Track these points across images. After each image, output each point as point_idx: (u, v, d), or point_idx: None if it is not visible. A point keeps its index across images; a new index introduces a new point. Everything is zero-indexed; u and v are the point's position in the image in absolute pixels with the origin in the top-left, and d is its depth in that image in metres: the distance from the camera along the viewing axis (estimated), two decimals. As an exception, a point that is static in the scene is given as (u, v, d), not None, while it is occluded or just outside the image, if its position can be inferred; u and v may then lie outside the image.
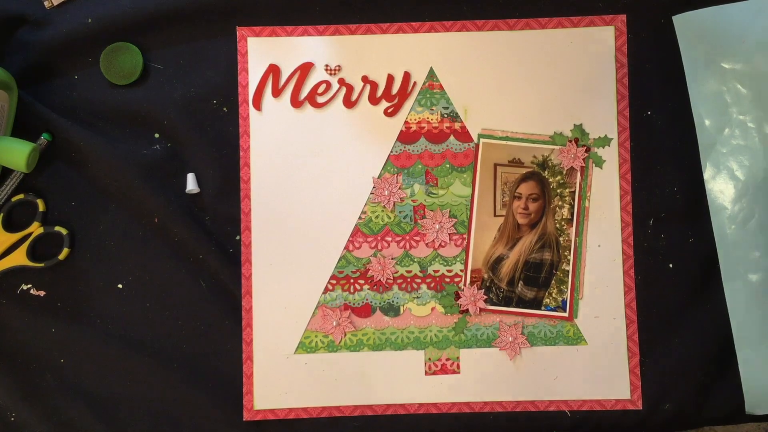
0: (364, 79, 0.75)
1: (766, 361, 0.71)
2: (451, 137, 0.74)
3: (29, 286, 0.74)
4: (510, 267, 0.73)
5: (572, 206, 0.74)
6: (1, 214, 0.73)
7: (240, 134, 0.74)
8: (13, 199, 0.74)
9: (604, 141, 0.74)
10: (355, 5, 0.75)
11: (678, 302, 0.74)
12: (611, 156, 0.74)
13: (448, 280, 0.74)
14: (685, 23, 0.73)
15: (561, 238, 0.74)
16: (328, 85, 0.75)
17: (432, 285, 0.74)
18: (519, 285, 0.73)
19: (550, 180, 0.74)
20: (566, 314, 0.73)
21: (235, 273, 0.73)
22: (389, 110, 0.75)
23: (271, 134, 0.74)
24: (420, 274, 0.74)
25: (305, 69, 0.75)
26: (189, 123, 0.74)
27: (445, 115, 0.74)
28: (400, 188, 0.74)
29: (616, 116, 0.74)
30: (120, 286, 0.74)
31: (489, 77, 0.74)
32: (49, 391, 0.73)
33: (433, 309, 0.74)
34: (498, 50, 0.74)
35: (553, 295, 0.73)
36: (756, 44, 0.72)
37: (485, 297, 0.73)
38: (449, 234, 0.74)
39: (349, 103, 0.75)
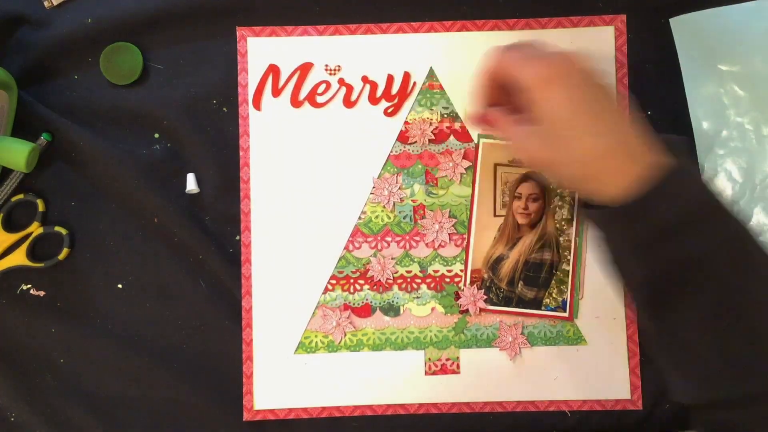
0: (364, 79, 0.75)
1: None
2: (451, 137, 0.74)
3: (29, 286, 0.74)
4: (510, 267, 0.73)
5: (572, 206, 0.74)
6: (1, 214, 0.73)
7: (240, 134, 0.74)
8: (13, 199, 0.73)
9: (604, 141, 0.74)
10: (355, 5, 0.75)
11: (678, 302, 0.74)
12: (611, 156, 0.74)
13: (448, 280, 0.74)
14: (682, 25, 0.73)
15: (561, 238, 0.74)
16: (328, 85, 0.75)
17: (432, 285, 0.74)
18: (519, 285, 0.73)
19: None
20: (566, 314, 0.73)
21: (235, 273, 0.73)
22: (389, 110, 0.75)
23: (271, 134, 0.74)
24: (420, 274, 0.74)
25: (305, 69, 0.75)
26: (189, 123, 0.74)
27: (445, 115, 0.75)
28: (400, 188, 0.74)
29: (615, 116, 0.74)
30: (120, 286, 0.74)
31: (489, 77, 0.74)
32: (49, 391, 0.73)
33: (433, 309, 0.74)
34: (498, 50, 0.74)
35: (553, 295, 0.73)
36: (754, 46, 0.73)
37: (485, 297, 0.73)
38: (449, 234, 0.74)
39: (349, 103, 0.75)
